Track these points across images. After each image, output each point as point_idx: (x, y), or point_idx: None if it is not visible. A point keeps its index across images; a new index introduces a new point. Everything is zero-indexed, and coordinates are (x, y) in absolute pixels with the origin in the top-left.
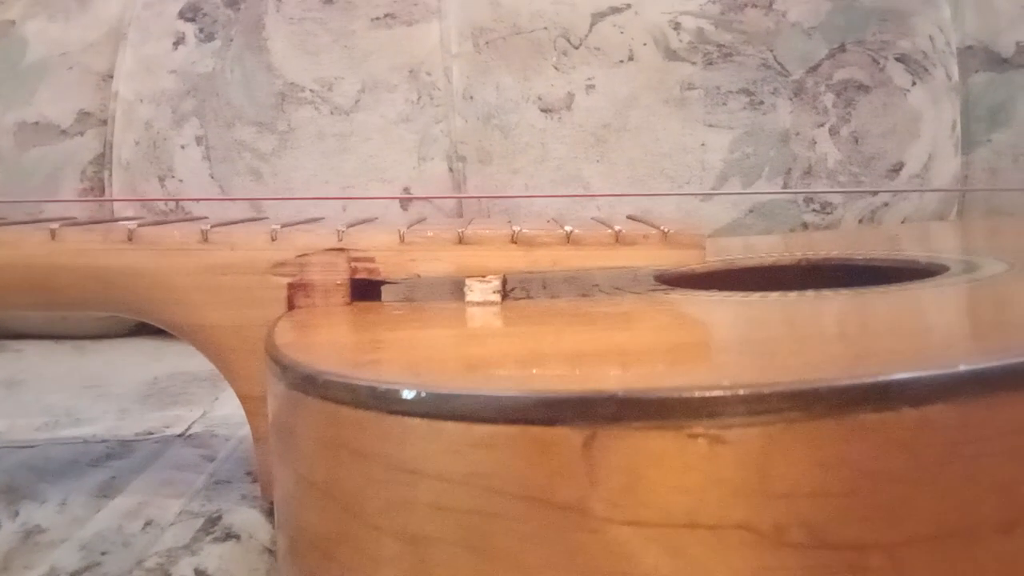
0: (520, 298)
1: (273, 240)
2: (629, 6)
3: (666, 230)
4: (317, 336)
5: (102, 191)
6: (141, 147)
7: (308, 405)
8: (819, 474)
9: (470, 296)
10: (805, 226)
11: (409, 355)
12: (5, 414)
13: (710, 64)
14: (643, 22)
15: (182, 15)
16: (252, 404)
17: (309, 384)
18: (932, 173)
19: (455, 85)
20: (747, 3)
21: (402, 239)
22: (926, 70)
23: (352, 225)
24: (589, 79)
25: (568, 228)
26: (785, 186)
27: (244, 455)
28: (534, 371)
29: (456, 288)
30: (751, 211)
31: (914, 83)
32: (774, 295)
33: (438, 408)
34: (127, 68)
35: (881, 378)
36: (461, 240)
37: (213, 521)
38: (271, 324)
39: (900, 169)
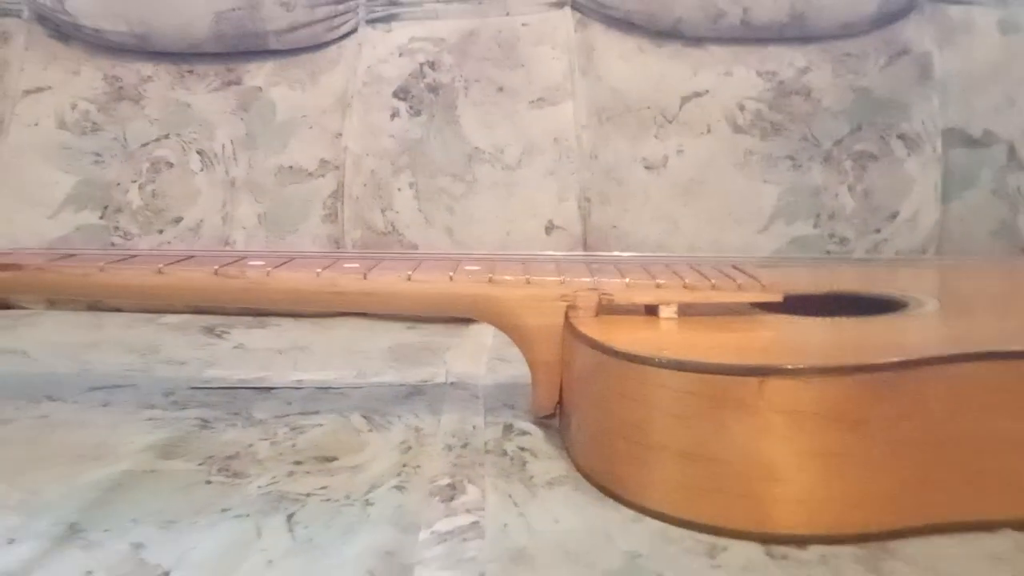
0: (685, 314)
1: (562, 283)
2: (708, 92)
3: (764, 283)
4: (602, 333)
5: (337, 216)
6: (368, 188)
7: (611, 365)
8: (846, 399)
9: (663, 313)
10: (828, 253)
11: (657, 343)
12: (321, 368)
13: (765, 137)
14: (718, 104)
15: (395, 95)
16: (541, 367)
17: (613, 354)
18: (919, 219)
19: (584, 148)
20: (792, 91)
21: (628, 285)
22: (918, 145)
23: (599, 275)
24: (679, 146)
25: (713, 280)
26: (815, 226)
27: (497, 394)
28: (737, 351)
29: (650, 308)
30: (791, 242)
31: (909, 154)
32: (820, 320)
33: (683, 366)
34: (354, 130)
35: (875, 362)
36: (658, 286)
37: (509, 426)
38: (574, 329)
39: (896, 216)
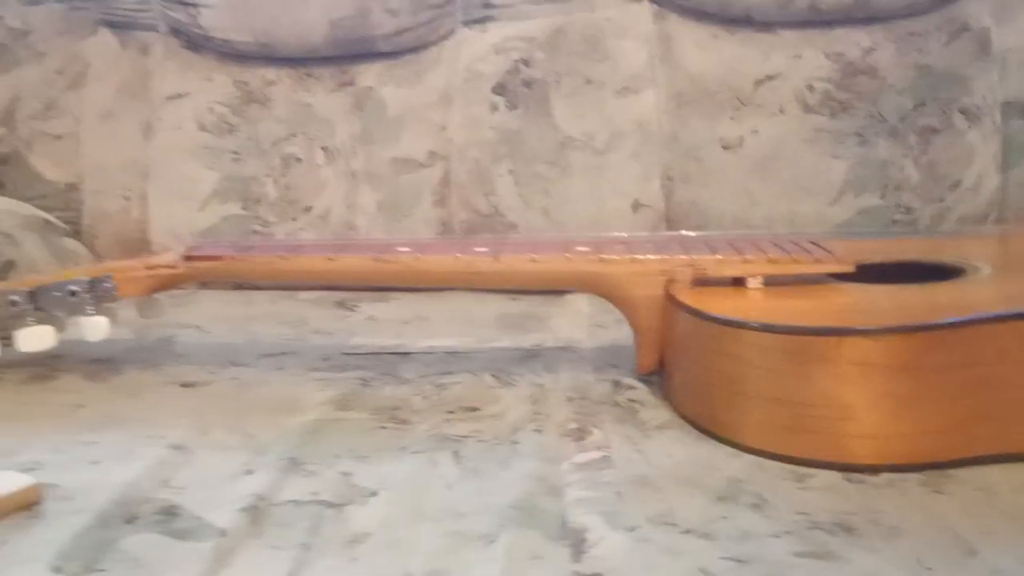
0: (769, 284)
1: (663, 260)
2: (780, 74)
3: (838, 255)
4: (700, 302)
5: (445, 202)
6: (471, 175)
7: (710, 329)
8: (909, 353)
9: (751, 284)
10: (895, 222)
11: (748, 310)
12: (444, 335)
13: (834, 115)
14: (789, 86)
15: (494, 91)
16: (644, 332)
17: (712, 320)
18: (980, 187)
19: (666, 131)
20: (859, 71)
21: (719, 261)
22: (979, 118)
23: (691, 252)
24: (754, 126)
25: (793, 254)
26: (882, 197)
27: (601, 356)
28: (817, 315)
29: (737, 280)
30: (860, 212)
31: (970, 127)
32: (887, 287)
33: (772, 329)
34: (457, 123)
35: (931, 322)
36: (745, 261)
37: (617, 382)
38: (675, 300)
39: (959, 185)
